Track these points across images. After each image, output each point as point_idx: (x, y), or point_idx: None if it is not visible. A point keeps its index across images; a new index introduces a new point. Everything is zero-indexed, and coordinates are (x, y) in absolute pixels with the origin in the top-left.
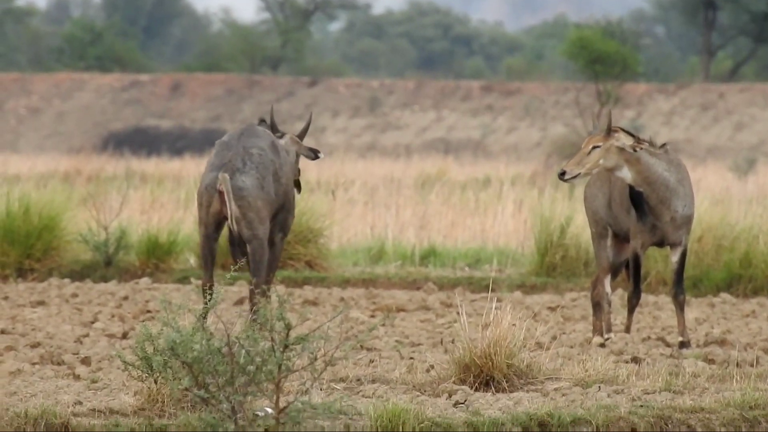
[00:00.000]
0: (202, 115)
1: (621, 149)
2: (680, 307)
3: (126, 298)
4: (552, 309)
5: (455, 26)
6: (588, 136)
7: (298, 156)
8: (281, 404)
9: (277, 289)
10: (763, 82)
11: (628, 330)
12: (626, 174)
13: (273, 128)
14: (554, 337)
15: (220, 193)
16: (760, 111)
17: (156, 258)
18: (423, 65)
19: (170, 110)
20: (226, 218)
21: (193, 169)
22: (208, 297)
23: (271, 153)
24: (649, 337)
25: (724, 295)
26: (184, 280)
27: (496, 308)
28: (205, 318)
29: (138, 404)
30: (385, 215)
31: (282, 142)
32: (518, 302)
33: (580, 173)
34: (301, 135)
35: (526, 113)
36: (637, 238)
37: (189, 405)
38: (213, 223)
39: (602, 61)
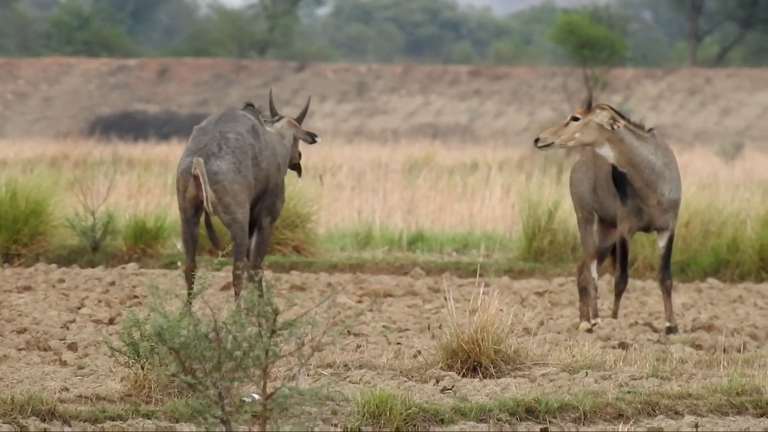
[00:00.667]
0: (189, 99)
1: (601, 126)
2: (667, 292)
3: (113, 283)
4: (539, 294)
5: (443, 11)
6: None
7: (296, 140)
8: (268, 390)
9: (265, 274)
10: (750, 67)
11: (615, 315)
12: (608, 153)
13: (272, 112)
14: (542, 323)
15: (195, 178)
16: (747, 96)
17: (143, 243)
18: (411, 50)
19: (157, 95)
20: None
21: (180, 153)
22: (191, 282)
23: (250, 137)
24: (636, 323)
25: (712, 281)
26: (171, 265)
27: (483, 293)
28: (190, 303)
29: (125, 390)
30: (372, 200)
31: (278, 125)
32: (506, 287)
33: (554, 143)
34: (299, 119)
35: (513, 98)
36: (624, 222)
37: (176, 391)
38: (191, 208)
39: (590, 46)
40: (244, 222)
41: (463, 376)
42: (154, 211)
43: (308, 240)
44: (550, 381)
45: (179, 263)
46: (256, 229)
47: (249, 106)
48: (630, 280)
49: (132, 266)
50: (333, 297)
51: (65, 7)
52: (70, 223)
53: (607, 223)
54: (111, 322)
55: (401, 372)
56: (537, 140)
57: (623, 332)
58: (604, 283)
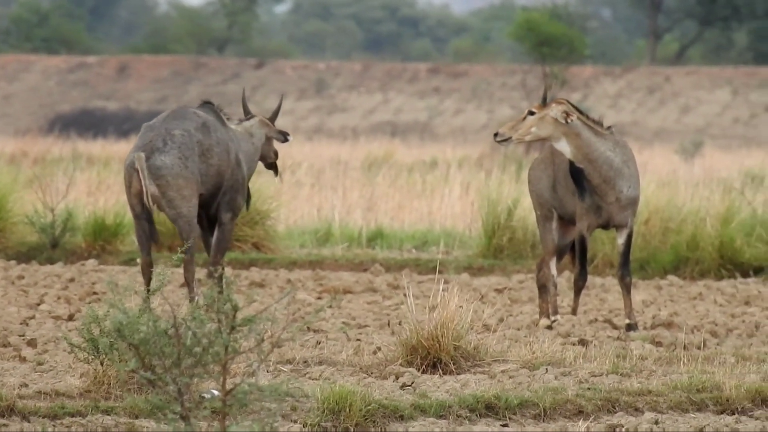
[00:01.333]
0: (148, 96)
1: (556, 120)
2: (627, 289)
3: (72, 279)
4: (499, 291)
5: (402, 8)
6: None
7: (269, 139)
8: (228, 386)
9: (225, 271)
10: (709, 65)
11: (574, 312)
12: (565, 147)
13: (245, 110)
14: (501, 319)
15: (138, 172)
16: (707, 94)
17: (102, 240)
18: (370, 47)
19: (117, 92)
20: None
21: None
22: (148, 278)
23: (198, 134)
24: (596, 320)
25: (671, 278)
26: (130, 261)
27: (443, 290)
28: (149, 299)
29: (84, 386)
30: (332, 197)
31: (247, 124)
32: (465, 284)
33: (512, 137)
34: (272, 118)
35: (473, 95)
36: (582, 220)
37: (135, 387)
38: (138, 203)
39: (549, 43)
40: (190, 216)
41: (423, 372)
42: (113, 208)
43: (268, 237)
44: (510, 377)
45: (138, 260)
46: (216, 225)
47: (207, 103)
48: (589, 277)
49: (91, 263)
50: (293, 293)
51: (24, 3)
52: (30, 219)
53: (566, 221)
54: (70, 318)
55: (361, 368)
56: (496, 134)
57: (583, 329)
58: (563, 280)
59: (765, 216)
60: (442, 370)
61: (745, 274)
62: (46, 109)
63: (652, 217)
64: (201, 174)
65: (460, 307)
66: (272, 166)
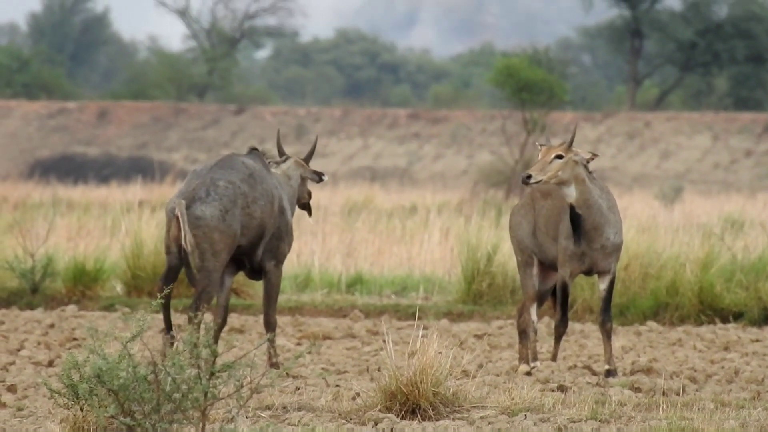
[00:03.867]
0: (128, 142)
1: (576, 164)
2: (607, 335)
3: (52, 325)
4: (478, 337)
5: (382, 54)
6: (544, 147)
7: (304, 179)
8: None
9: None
10: (689, 110)
11: (554, 358)
12: (572, 192)
13: (279, 152)
14: (481, 365)
15: (177, 219)
16: (686, 139)
17: (82, 285)
18: (350, 93)
19: (97, 138)
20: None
21: (119, 196)
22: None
23: (243, 186)
24: (575, 366)
25: (651, 324)
26: (110, 307)
27: (422, 336)
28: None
29: None
30: (311, 242)
31: (284, 166)
32: (445, 330)
33: (542, 179)
34: (307, 158)
35: (452, 141)
36: (565, 266)
37: None
38: (174, 246)
39: (529, 89)
40: (213, 272)
41: (402, 418)
42: (93, 254)
43: (247, 282)
44: (489, 424)
45: (117, 305)
46: (263, 275)
47: (254, 150)
48: (569, 323)
49: (71, 308)
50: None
51: (5, 49)
52: (9, 265)
53: (547, 266)
54: (50, 364)
55: (340, 414)
56: (528, 177)
57: (562, 375)
58: (543, 325)
59: (744, 262)
60: (421, 417)
61: (724, 320)
62: (26, 154)
63: (631, 262)
64: (242, 226)
65: (440, 353)
66: (306, 207)
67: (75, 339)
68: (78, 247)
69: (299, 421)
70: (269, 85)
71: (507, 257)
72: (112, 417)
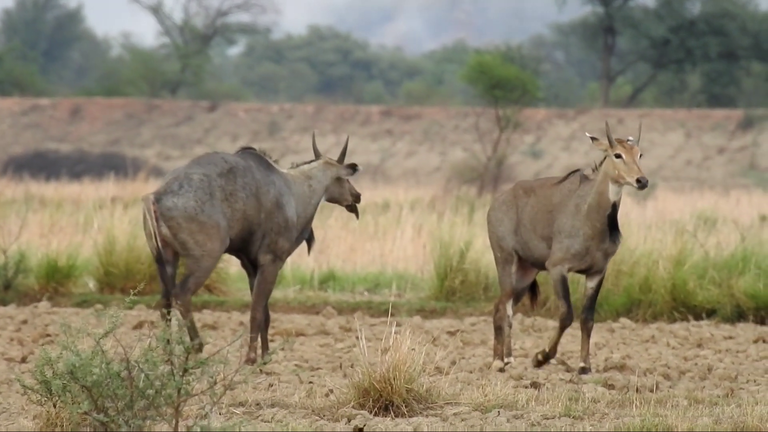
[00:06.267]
0: (101, 139)
1: None
2: (588, 333)
3: (25, 321)
4: (451, 333)
5: (355, 51)
6: (620, 143)
7: (341, 180)
8: (180, 428)
9: (176, 313)
10: (662, 107)
11: (553, 353)
12: (618, 191)
13: (315, 153)
14: (453, 362)
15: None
16: (659, 136)
17: (55, 282)
18: (323, 90)
19: (70, 134)
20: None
21: (92, 193)
22: (167, 320)
23: (220, 180)
24: (548, 362)
25: (624, 320)
26: (83, 303)
27: (395, 333)
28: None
29: (37, 428)
30: None
31: (306, 167)
32: (418, 327)
33: None
34: (340, 158)
35: (425, 138)
36: (564, 264)
37: (88, 429)
38: (153, 247)
39: (502, 86)
40: (201, 258)
41: (375, 415)
42: (66, 250)
43: (220, 279)
44: (462, 420)
45: (91, 302)
46: (258, 269)
47: (247, 149)
48: (542, 320)
49: (44, 305)
50: (245, 336)
51: None
52: None
53: (528, 263)
54: (23, 360)
55: (313, 411)
56: (647, 181)
57: (535, 372)
58: (516, 323)
59: (717, 258)
60: (395, 413)
61: (697, 317)
62: None
63: None
64: (227, 218)
65: (413, 349)
66: (353, 209)
67: (48, 335)
68: (51, 243)
69: (272, 418)
70: (242, 82)
71: (479, 254)
72: (86, 413)
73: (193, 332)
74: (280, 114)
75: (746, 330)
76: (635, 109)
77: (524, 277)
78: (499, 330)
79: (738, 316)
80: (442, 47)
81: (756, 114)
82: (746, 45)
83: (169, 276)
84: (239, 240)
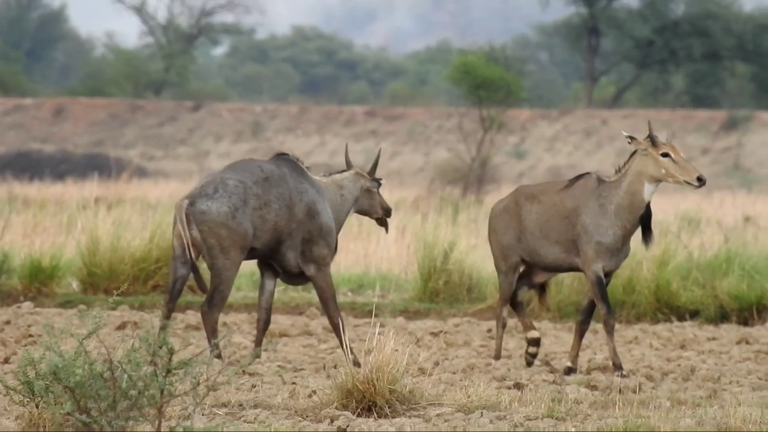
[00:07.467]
0: (85, 139)
1: None
2: (581, 335)
3: (8, 322)
4: (435, 334)
5: (339, 51)
6: (664, 144)
7: (371, 192)
8: (163, 429)
9: (158, 314)
10: (646, 107)
11: (615, 353)
12: (653, 191)
13: (347, 163)
14: (437, 363)
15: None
16: (643, 137)
17: (38, 282)
18: (307, 90)
19: (53, 134)
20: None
21: (75, 193)
22: (163, 322)
23: (256, 188)
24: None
25: None
26: (66, 304)
27: (378, 334)
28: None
29: (19, 429)
30: None
31: (338, 177)
32: (401, 328)
33: None
34: (372, 170)
35: (409, 138)
36: (598, 262)
37: (71, 430)
38: (179, 247)
39: (486, 86)
40: (224, 270)
41: (358, 416)
42: (49, 251)
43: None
44: (445, 421)
45: (74, 302)
46: (307, 281)
47: (282, 155)
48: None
49: (27, 305)
50: (228, 337)
51: None
52: None
53: (538, 268)
54: (6, 361)
55: (296, 412)
56: (705, 180)
57: (518, 372)
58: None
59: (701, 260)
60: (378, 414)
61: (681, 318)
62: None
63: None
64: (255, 228)
65: (396, 350)
66: (382, 222)
67: (31, 336)
68: (34, 243)
69: (255, 419)
70: (226, 82)
71: (463, 255)
72: (68, 414)
73: (215, 351)
74: (264, 114)
75: (729, 331)
76: (619, 109)
77: (535, 277)
78: (519, 307)
79: (721, 317)
80: (425, 47)
81: (740, 115)
82: (730, 46)
83: (180, 276)
84: (267, 249)
